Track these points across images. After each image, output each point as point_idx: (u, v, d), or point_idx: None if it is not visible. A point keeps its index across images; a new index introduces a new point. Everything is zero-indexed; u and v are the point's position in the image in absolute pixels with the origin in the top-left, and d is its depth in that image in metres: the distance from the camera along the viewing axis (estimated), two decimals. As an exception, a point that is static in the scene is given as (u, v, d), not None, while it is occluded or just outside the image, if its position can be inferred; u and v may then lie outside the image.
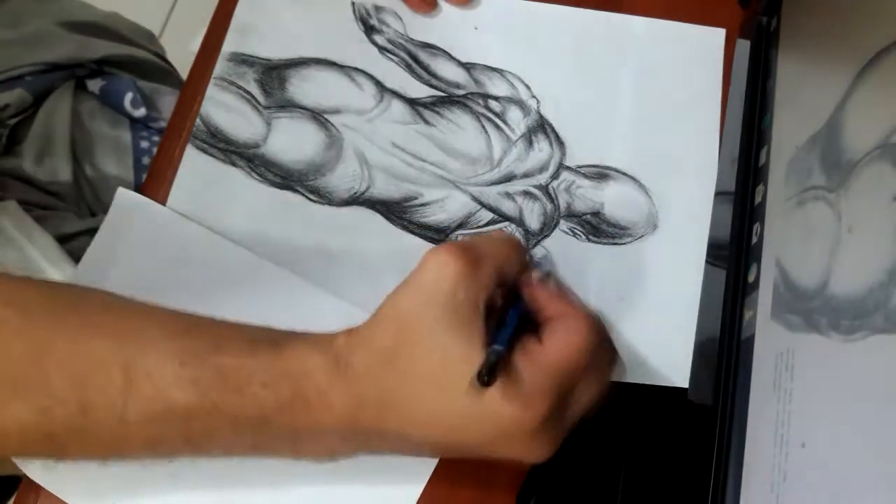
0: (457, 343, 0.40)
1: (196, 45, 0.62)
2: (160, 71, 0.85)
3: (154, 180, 0.58)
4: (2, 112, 0.70)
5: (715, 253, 0.57)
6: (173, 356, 0.41)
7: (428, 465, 0.51)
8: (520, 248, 0.46)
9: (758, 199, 0.54)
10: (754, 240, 0.53)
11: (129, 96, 0.77)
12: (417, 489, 0.51)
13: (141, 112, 0.77)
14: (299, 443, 0.43)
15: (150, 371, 0.41)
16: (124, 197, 0.57)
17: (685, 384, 0.53)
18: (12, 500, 0.51)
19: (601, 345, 0.43)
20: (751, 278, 0.51)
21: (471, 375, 0.39)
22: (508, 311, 0.44)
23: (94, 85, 0.77)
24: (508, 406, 0.40)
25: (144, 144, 0.78)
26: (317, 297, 0.54)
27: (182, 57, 0.89)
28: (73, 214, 0.73)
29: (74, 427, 0.41)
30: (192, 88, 0.61)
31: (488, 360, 0.39)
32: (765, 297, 0.48)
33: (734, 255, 0.54)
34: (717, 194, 0.59)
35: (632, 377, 0.54)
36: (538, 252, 0.57)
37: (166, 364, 0.41)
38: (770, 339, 0.46)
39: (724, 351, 0.51)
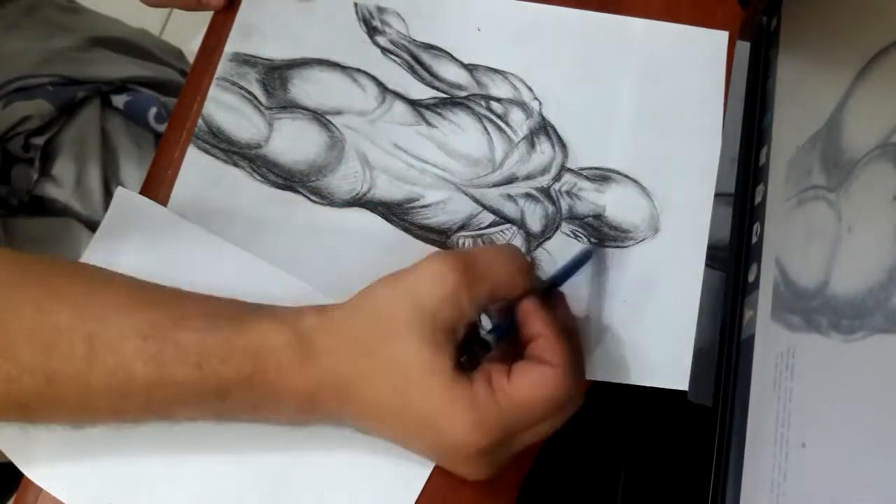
0: (425, 355, 0.41)
1: (196, 44, 0.62)
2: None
3: (154, 180, 0.58)
4: (24, 124, 0.70)
5: (713, 255, 0.57)
6: (135, 330, 0.42)
7: (426, 466, 0.51)
8: (525, 271, 0.46)
9: (758, 199, 0.54)
10: (754, 240, 0.52)
11: (153, 111, 0.77)
12: (416, 490, 0.51)
13: (165, 127, 0.77)
14: (259, 411, 0.45)
15: (111, 343, 0.42)
16: (124, 197, 0.57)
17: (685, 387, 0.53)
18: (12, 500, 0.51)
19: (566, 399, 0.44)
20: (751, 278, 0.51)
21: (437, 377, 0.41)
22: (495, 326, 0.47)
23: (119, 100, 0.77)
24: (454, 429, 0.41)
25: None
26: (315, 298, 0.54)
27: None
28: None
29: (42, 395, 0.42)
30: (192, 88, 0.61)
31: (475, 351, 0.43)
32: (765, 296, 0.48)
33: (734, 254, 0.54)
34: (716, 195, 0.58)
35: (632, 379, 0.54)
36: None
37: (127, 337, 0.42)
38: (770, 339, 0.46)
39: (724, 351, 0.51)
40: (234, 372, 0.42)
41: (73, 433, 0.50)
